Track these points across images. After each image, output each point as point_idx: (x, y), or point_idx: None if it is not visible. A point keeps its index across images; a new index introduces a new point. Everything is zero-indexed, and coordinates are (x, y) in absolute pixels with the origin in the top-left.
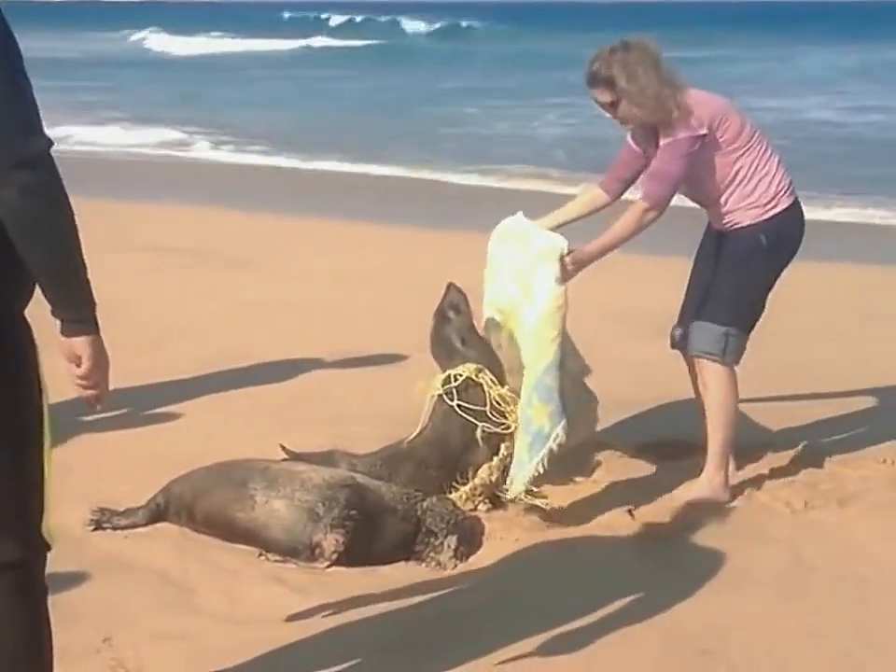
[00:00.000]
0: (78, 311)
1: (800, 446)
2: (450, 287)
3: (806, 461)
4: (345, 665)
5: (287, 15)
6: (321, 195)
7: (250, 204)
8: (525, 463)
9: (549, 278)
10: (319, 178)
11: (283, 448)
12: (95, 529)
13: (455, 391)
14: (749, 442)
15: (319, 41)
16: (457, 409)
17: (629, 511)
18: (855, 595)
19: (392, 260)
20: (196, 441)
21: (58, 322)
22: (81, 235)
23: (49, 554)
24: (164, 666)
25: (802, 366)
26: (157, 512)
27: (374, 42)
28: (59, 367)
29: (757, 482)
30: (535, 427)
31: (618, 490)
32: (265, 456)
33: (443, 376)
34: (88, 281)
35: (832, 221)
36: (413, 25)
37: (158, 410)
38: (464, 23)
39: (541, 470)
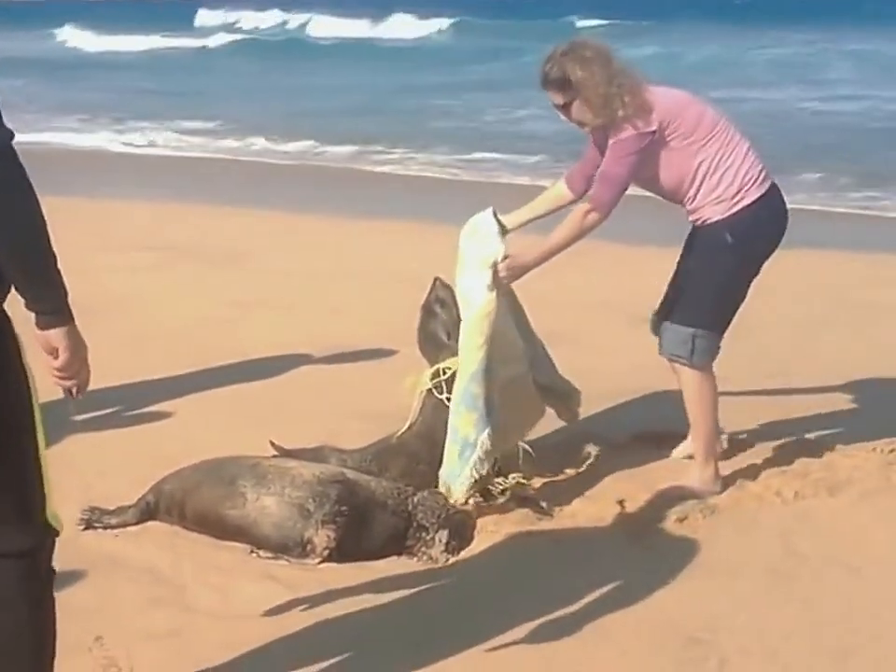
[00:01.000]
0: (51, 303)
1: (791, 435)
2: (436, 281)
3: (797, 450)
4: (338, 660)
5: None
6: (302, 189)
7: (230, 200)
8: (458, 471)
9: (480, 284)
10: (298, 171)
11: (273, 444)
12: (86, 528)
13: (443, 385)
14: (739, 432)
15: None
16: (446, 402)
17: (620, 503)
18: (846, 583)
19: (378, 255)
20: (185, 438)
21: (32, 315)
22: (61, 234)
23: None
24: (156, 664)
25: (792, 355)
26: (147, 511)
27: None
28: (43, 367)
29: (748, 471)
30: (461, 435)
31: (609, 482)
32: (255, 453)
33: (432, 370)
34: (59, 272)
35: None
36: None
37: (146, 408)
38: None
39: (476, 477)
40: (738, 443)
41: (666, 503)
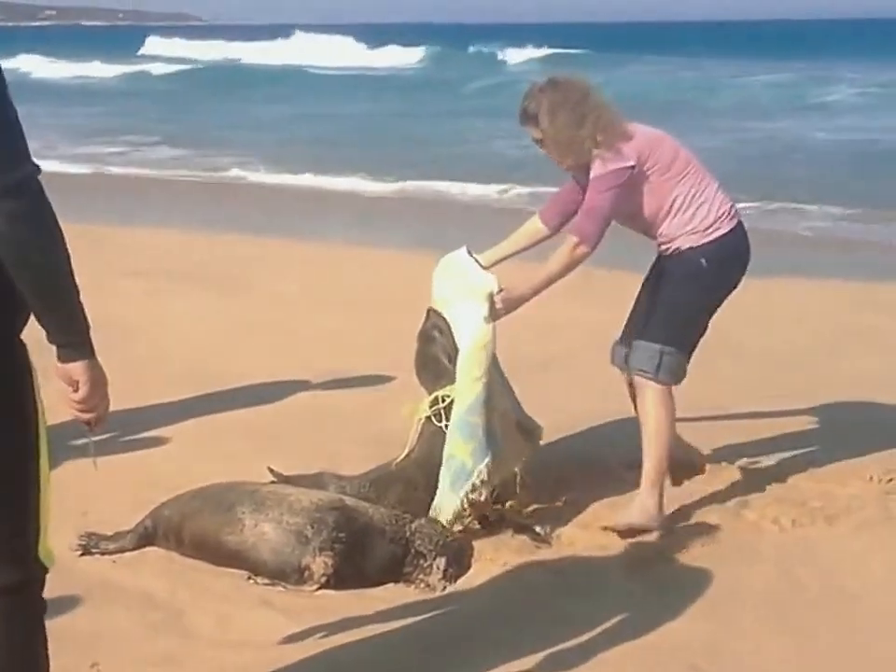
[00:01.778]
0: (73, 336)
1: (787, 463)
2: (429, 312)
3: (794, 478)
4: None
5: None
6: (300, 214)
7: (227, 225)
8: (450, 499)
9: (477, 316)
10: (297, 197)
11: (271, 471)
12: (83, 554)
13: (442, 412)
14: (735, 460)
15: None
16: (445, 430)
17: (618, 532)
18: (844, 612)
19: (376, 281)
20: (183, 464)
21: (53, 348)
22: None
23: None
24: None
25: (787, 382)
26: (145, 536)
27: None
28: (51, 390)
29: (744, 500)
30: (457, 462)
31: (606, 510)
32: (253, 479)
33: (430, 398)
34: (81, 305)
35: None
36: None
37: (145, 434)
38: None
39: (468, 505)
40: (734, 471)
41: (663, 532)
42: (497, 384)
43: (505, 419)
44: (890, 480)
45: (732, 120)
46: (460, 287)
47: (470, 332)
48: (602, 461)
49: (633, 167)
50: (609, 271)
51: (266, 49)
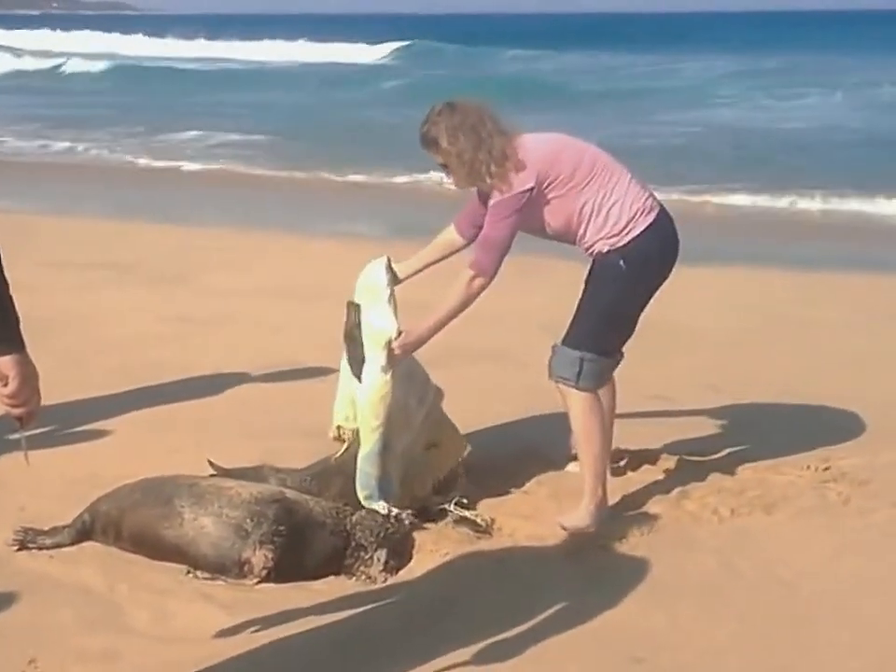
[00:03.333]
0: (2, 330)
1: (726, 453)
2: (349, 306)
3: (732, 468)
4: None
5: None
6: (246, 204)
7: (171, 216)
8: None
9: (374, 365)
10: (244, 184)
11: (211, 463)
12: (20, 549)
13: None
14: (675, 450)
15: None
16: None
17: (561, 526)
18: (783, 600)
19: (319, 273)
20: (123, 457)
21: None
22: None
23: None
24: None
25: (726, 372)
26: (83, 531)
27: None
28: None
29: (684, 490)
30: (362, 495)
31: (548, 501)
32: (193, 472)
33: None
34: (11, 299)
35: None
36: None
37: (83, 426)
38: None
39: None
40: (674, 461)
41: (603, 522)
42: (406, 418)
43: (410, 451)
44: (827, 468)
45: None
46: (370, 305)
47: (369, 382)
48: (543, 452)
49: (531, 189)
50: (557, 259)
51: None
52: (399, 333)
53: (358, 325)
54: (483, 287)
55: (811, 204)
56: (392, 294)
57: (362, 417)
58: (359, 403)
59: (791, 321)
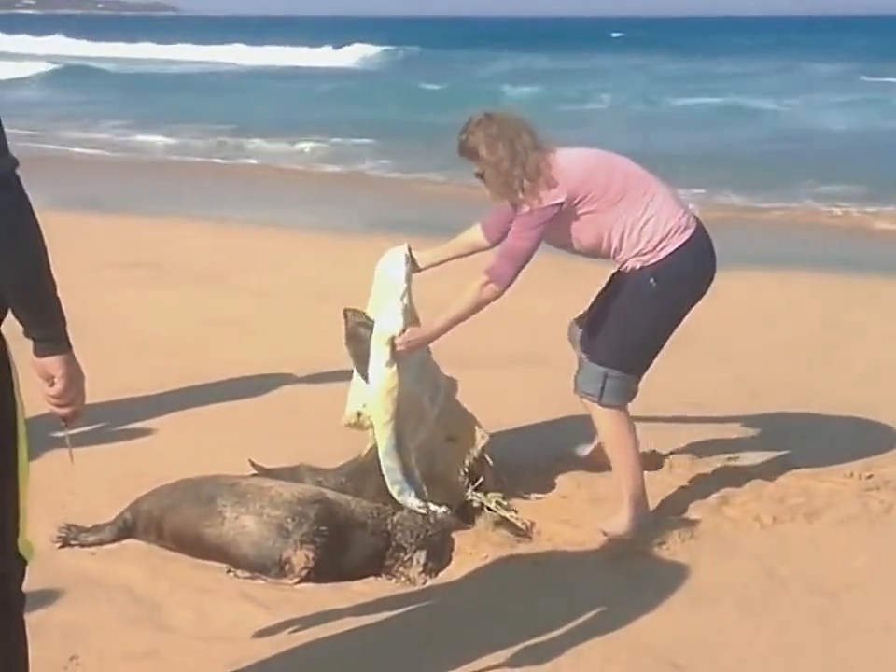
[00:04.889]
0: (49, 330)
1: (767, 460)
2: (345, 314)
3: (774, 475)
4: None
5: None
6: (281, 203)
7: (212, 213)
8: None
9: (379, 362)
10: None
11: (252, 464)
12: (62, 546)
13: None
14: (716, 457)
15: None
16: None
17: (602, 531)
18: (824, 608)
19: (358, 272)
20: (164, 457)
21: (30, 342)
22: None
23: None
24: None
25: (769, 380)
26: (125, 529)
27: None
28: (30, 382)
29: (726, 496)
30: (394, 490)
31: (587, 505)
32: (234, 472)
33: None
34: (58, 299)
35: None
36: None
37: (125, 426)
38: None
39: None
40: (715, 467)
41: (645, 527)
42: (418, 412)
43: (429, 444)
44: (870, 476)
45: None
46: (381, 299)
47: (376, 379)
48: (579, 455)
49: (561, 204)
50: (599, 261)
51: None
52: (404, 331)
53: (360, 325)
54: (495, 296)
55: (853, 209)
56: (408, 288)
57: (374, 414)
58: (369, 401)
59: (832, 328)
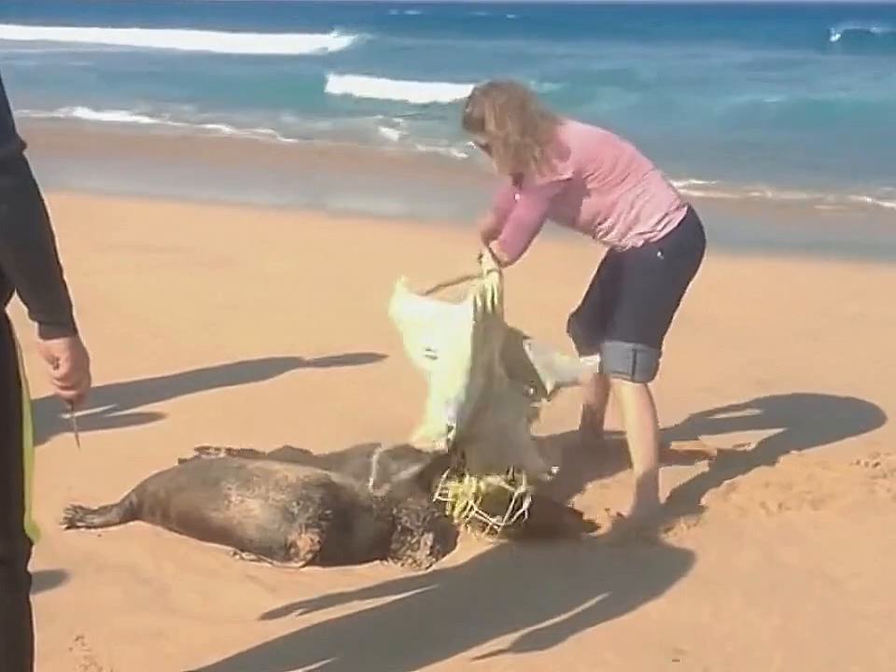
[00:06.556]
0: (55, 313)
1: (775, 447)
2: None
3: (781, 462)
4: (319, 665)
5: None
6: (294, 187)
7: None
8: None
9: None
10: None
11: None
12: (68, 528)
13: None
14: (723, 444)
15: None
16: None
17: (606, 510)
18: (829, 595)
19: (374, 257)
20: (172, 439)
21: (35, 324)
22: (58, 233)
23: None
24: (137, 665)
25: (778, 368)
26: (131, 511)
27: None
28: (36, 364)
29: (732, 483)
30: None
31: (595, 489)
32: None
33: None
34: (64, 283)
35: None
36: None
37: (133, 408)
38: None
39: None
40: (723, 454)
41: (651, 512)
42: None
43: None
44: (877, 464)
45: None
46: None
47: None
48: (594, 441)
49: (569, 179)
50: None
51: None
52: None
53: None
54: (504, 265)
55: (859, 197)
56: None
57: (453, 354)
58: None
59: (834, 315)
